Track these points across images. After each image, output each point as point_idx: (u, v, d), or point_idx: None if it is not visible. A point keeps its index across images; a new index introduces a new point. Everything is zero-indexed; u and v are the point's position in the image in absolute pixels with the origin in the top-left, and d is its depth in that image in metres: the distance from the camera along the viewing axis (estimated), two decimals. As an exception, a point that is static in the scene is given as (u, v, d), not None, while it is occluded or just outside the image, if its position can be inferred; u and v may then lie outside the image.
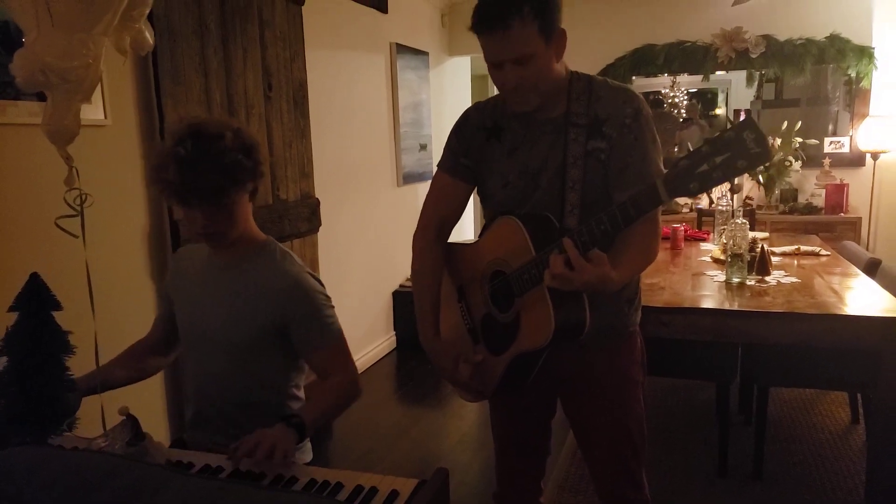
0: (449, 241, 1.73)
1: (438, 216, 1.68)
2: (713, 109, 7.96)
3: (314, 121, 3.55)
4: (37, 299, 1.44)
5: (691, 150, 1.21)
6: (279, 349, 1.58)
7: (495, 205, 1.61)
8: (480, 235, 1.65)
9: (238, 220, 1.53)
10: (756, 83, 5.17)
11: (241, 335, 1.55)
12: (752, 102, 6.14)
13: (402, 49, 4.56)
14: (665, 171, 1.28)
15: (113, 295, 2.39)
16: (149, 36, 1.78)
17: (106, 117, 2.36)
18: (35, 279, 1.50)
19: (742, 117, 5.73)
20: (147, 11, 1.51)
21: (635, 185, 1.36)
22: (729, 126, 1.16)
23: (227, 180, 1.44)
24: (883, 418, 2.31)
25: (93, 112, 2.27)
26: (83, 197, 1.55)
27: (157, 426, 2.59)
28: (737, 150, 1.15)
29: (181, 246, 2.53)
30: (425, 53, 4.95)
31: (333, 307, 1.62)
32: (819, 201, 4.82)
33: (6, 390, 1.38)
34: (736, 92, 6.49)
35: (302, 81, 3.43)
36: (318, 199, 3.56)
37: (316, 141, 3.57)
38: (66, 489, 0.85)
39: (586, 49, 5.21)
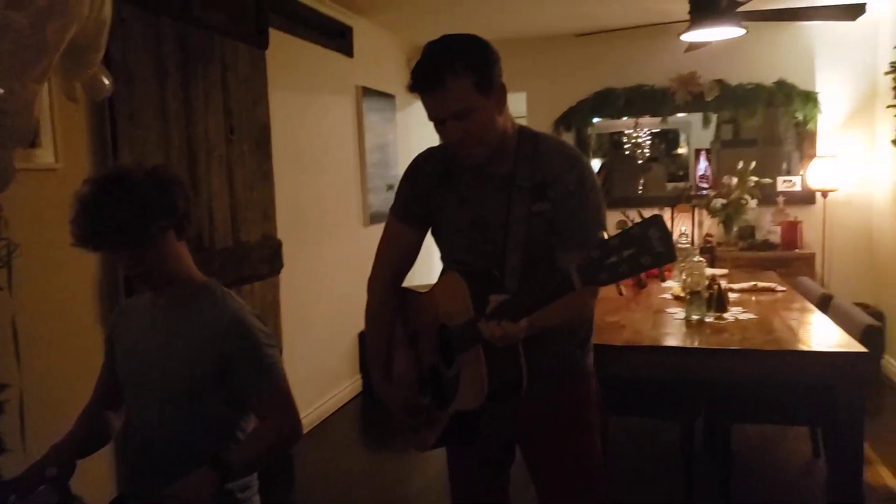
0: (406, 286, 1.73)
1: (390, 262, 1.70)
2: (675, 149, 8.21)
3: (279, 162, 3.55)
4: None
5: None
6: (222, 392, 1.54)
7: (448, 251, 1.63)
8: (434, 286, 1.65)
9: (167, 261, 1.49)
10: (712, 125, 5.34)
11: (182, 378, 1.51)
12: (711, 142, 6.34)
13: (368, 92, 4.62)
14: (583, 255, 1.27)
15: (56, 348, 2.30)
16: (106, 81, 1.78)
17: (57, 161, 2.30)
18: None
19: (701, 156, 5.94)
20: (99, 58, 1.51)
21: (575, 250, 1.38)
22: (638, 221, 1.16)
23: (133, 218, 1.38)
24: (841, 452, 2.35)
25: (43, 156, 2.23)
26: (11, 247, 1.50)
27: (100, 483, 2.46)
28: (642, 246, 1.14)
29: (135, 293, 2.47)
30: (391, 96, 5.01)
31: (275, 346, 1.59)
32: (775, 238, 4.96)
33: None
34: (696, 132, 6.71)
35: (265, 124, 3.43)
36: (279, 240, 3.54)
37: (280, 182, 3.57)
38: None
39: (550, 93, 5.36)
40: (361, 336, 4.58)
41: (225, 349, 1.50)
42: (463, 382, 1.47)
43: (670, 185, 6.60)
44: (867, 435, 3.39)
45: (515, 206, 1.50)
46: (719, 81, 4.99)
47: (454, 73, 1.38)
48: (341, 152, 4.39)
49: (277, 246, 3.52)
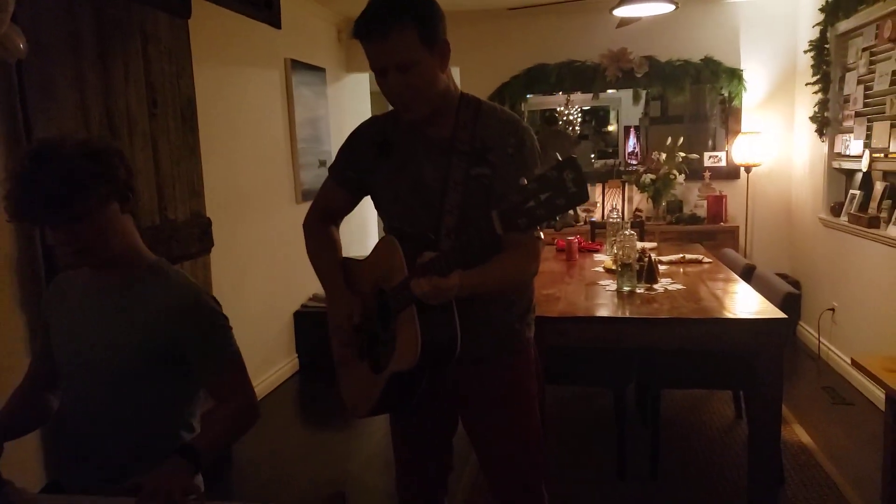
0: (346, 255, 1.73)
1: (322, 215, 1.75)
2: (606, 126, 8.38)
3: (205, 138, 3.42)
4: None
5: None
6: (172, 375, 1.49)
7: (386, 217, 1.64)
8: (371, 252, 1.64)
9: (111, 236, 1.41)
10: (642, 101, 5.45)
11: (130, 361, 1.45)
12: (640, 118, 6.50)
13: (297, 65, 4.50)
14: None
15: None
16: (20, 43, 1.66)
17: (-36, 135, 2.17)
18: None
19: (630, 133, 6.08)
20: (6, 18, 1.40)
21: None
22: (556, 163, 1.17)
23: (70, 189, 1.32)
24: (761, 413, 2.48)
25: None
26: None
27: (28, 469, 2.37)
28: (557, 188, 1.16)
29: (57, 274, 2.36)
30: (322, 69, 4.90)
31: (230, 328, 1.55)
32: (702, 212, 5.14)
33: None
34: (626, 109, 6.86)
35: (190, 97, 3.30)
36: (209, 218, 3.43)
37: (208, 158, 3.44)
38: None
39: (483, 68, 5.34)
40: (297, 315, 4.52)
41: (180, 330, 1.46)
42: (398, 344, 1.47)
43: (599, 162, 6.74)
44: (785, 397, 3.61)
45: (454, 170, 1.50)
46: (649, 58, 5.09)
47: (400, 23, 1.38)
48: (271, 127, 4.28)
49: (207, 224, 3.41)
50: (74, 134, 1.44)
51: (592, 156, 7.47)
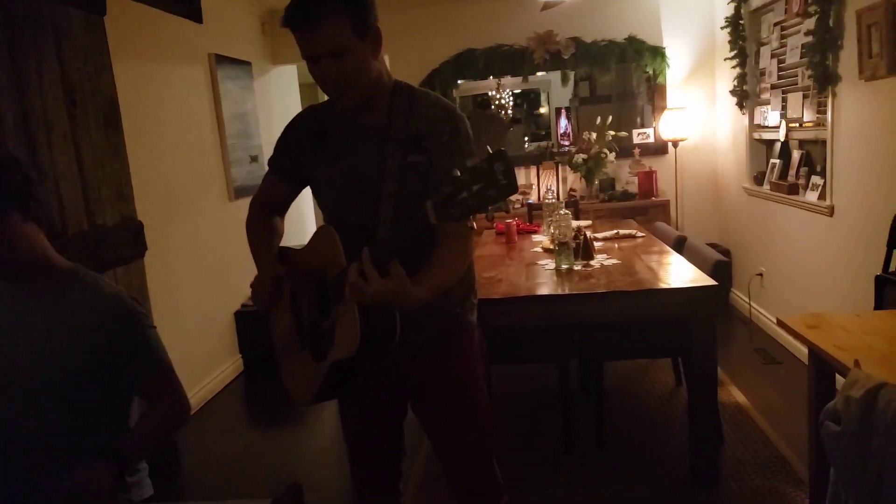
0: (284, 245, 1.72)
1: (263, 206, 1.74)
2: (537, 109, 8.48)
3: (131, 138, 3.31)
4: None
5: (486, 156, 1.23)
6: (105, 381, 1.47)
7: (324, 207, 1.64)
8: (309, 241, 1.64)
9: (14, 247, 1.38)
10: (571, 82, 5.54)
11: (60, 371, 1.42)
12: (570, 100, 6.61)
13: (221, 60, 4.39)
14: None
15: None
16: None
17: None
18: None
19: (562, 114, 6.19)
20: None
21: None
22: (487, 155, 1.20)
23: None
24: (697, 377, 2.59)
25: None
26: None
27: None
28: (488, 180, 1.19)
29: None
30: (247, 63, 4.80)
31: (155, 328, 1.55)
32: (633, 188, 5.28)
33: None
34: (556, 91, 6.95)
35: (111, 97, 3.17)
36: (140, 221, 3.32)
37: (135, 159, 3.33)
38: None
39: (413, 55, 5.33)
40: (238, 315, 4.44)
41: (107, 336, 1.44)
42: (338, 332, 1.47)
43: (533, 145, 6.84)
44: (721, 361, 3.77)
45: (389, 158, 1.50)
46: (575, 39, 5.18)
47: (333, 10, 1.38)
48: (198, 124, 4.16)
49: (139, 227, 3.30)
50: None
51: (526, 139, 7.55)
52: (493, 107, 7.00)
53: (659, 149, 5.34)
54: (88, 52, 3.03)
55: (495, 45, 5.26)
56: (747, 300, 4.61)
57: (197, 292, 3.99)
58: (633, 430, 3.12)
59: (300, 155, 1.63)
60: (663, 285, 2.59)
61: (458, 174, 1.21)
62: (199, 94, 4.17)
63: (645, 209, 5.07)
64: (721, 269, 2.78)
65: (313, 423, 3.53)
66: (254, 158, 4.75)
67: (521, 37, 5.23)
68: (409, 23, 5.32)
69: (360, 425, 1.79)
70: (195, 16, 4.09)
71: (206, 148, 4.24)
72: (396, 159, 1.50)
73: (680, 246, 3.35)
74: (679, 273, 2.79)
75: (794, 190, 3.86)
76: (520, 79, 5.46)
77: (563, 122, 6.22)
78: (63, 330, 1.43)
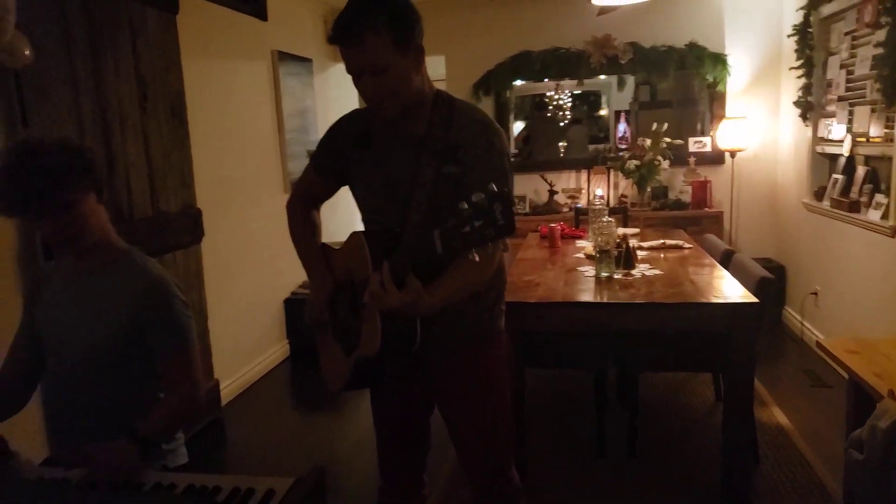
0: (325, 242, 1.81)
1: (303, 199, 1.82)
2: (597, 110, 8.39)
3: (195, 130, 3.49)
4: None
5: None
6: (138, 356, 1.59)
7: (361, 208, 1.71)
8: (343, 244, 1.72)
9: (88, 225, 1.53)
10: (626, 87, 5.48)
11: (102, 343, 1.55)
12: (630, 103, 6.53)
13: (283, 56, 4.55)
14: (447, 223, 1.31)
15: None
16: (25, 50, 1.73)
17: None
18: None
19: (621, 118, 6.12)
20: (8, 29, 1.48)
21: None
22: (489, 194, 1.24)
23: (53, 181, 1.43)
24: (734, 394, 2.57)
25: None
26: None
27: (32, 445, 2.46)
28: (487, 219, 1.23)
29: (55, 259, 2.44)
30: (309, 60, 4.94)
31: (191, 316, 1.64)
32: (686, 197, 5.21)
33: None
34: (616, 94, 6.88)
35: (179, 91, 3.36)
36: (199, 209, 3.50)
37: (197, 151, 3.51)
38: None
39: (468, 57, 5.39)
40: (287, 302, 4.60)
41: (141, 313, 1.55)
42: (363, 332, 1.55)
43: (592, 147, 6.78)
44: (766, 380, 3.70)
45: (424, 166, 1.56)
46: (633, 44, 5.13)
47: (374, 29, 1.42)
48: (259, 118, 4.33)
49: (198, 214, 3.48)
50: (50, 135, 1.54)
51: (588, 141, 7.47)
52: (550, 108, 6.98)
53: (715, 158, 5.24)
54: (161, 48, 3.21)
55: (552, 48, 5.27)
56: (800, 319, 4.50)
57: (249, 278, 4.16)
58: (668, 441, 3.10)
59: (342, 157, 1.70)
60: (702, 299, 2.57)
61: (465, 206, 1.25)
62: (261, 90, 4.34)
63: (697, 220, 5.00)
64: (766, 286, 2.74)
65: (352, 411, 3.64)
66: (310, 153, 4.89)
67: (578, 40, 5.22)
68: (466, 25, 5.39)
69: (389, 417, 1.87)
70: (260, 14, 4.26)
71: (266, 141, 4.41)
72: (431, 168, 1.55)
73: (727, 260, 3.31)
74: (721, 288, 2.76)
75: (855, 207, 3.73)
76: (575, 81, 5.44)
77: (622, 125, 6.15)
78: (108, 306, 1.56)
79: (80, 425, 1.59)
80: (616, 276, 2.91)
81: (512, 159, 5.27)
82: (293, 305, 4.58)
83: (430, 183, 1.55)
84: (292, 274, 4.57)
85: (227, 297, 3.79)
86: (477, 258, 1.31)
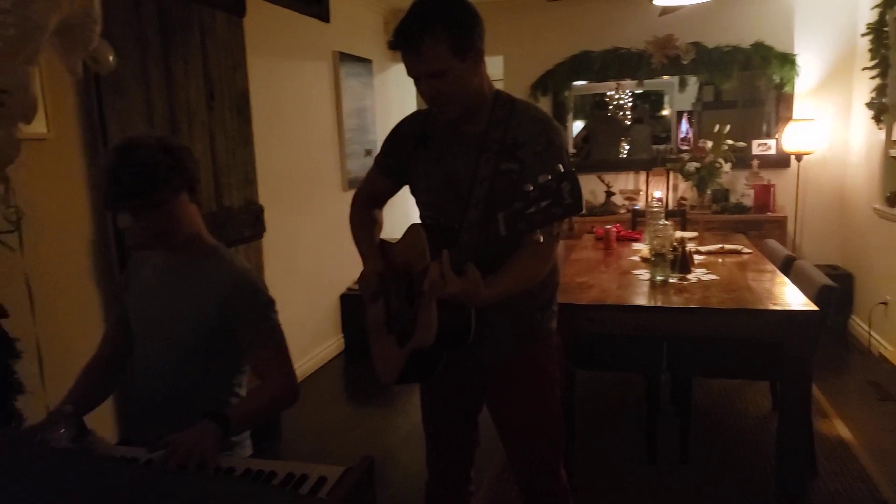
0: (383, 237, 1.86)
1: (367, 195, 1.89)
2: (659, 111, 8.25)
3: (258, 129, 3.61)
4: (-16, 309, 1.51)
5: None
6: (223, 349, 1.65)
7: (420, 206, 1.75)
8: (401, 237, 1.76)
9: (180, 222, 1.60)
10: (688, 87, 5.38)
11: (189, 331, 1.62)
12: (693, 104, 6.40)
13: (345, 57, 4.65)
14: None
15: (58, 301, 2.44)
16: (110, 56, 1.85)
17: (48, 131, 2.40)
18: (-19, 290, 1.57)
19: (683, 119, 6.00)
20: (96, 32, 1.58)
21: None
22: (557, 174, 1.26)
23: (150, 181, 1.50)
24: (789, 404, 2.51)
25: (34, 126, 2.29)
26: (19, 213, 1.63)
27: (103, 427, 2.62)
28: (555, 198, 1.26)
29: (126, 254, 2.60)
30: (368, 61, 5.04)
31: (276, 312, 1.69)
32: (749, 201, 5.07)
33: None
34: (678, 94, 6.75)
35: (244, 90, 3.48)
36: (261, 205, 3.62)
37: (260, 148, 3.64)
38: (18, 480, 0.93)
39: (527, 57, 5.39)
40: (343, 297, 4.71)
41: (229, 308, 1.61)
42: (418, 324, 1.59)
43: (655, 148, 6.65)
44: (828, 391, 3.59)
45: (482, 165, 1.60)
46: (696, 44, 5.03)
47: (433, 35, 1.46)
48: (319, 118, 4.44)
49: (259, 211, 3.61)
50: (150, 133, 1.61)
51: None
52: (610, 108, 6.91)
53: (780, 161, 5.09)
54: (227, 49, 3.34)
55: (612, 48, 5.21)
56: (867, 329, 4.33)
57: (307, 273, 4.28)
58: (721, 449, 3.05)
59: (404, 156, 1.75)
60: (759, 306, 2.52)
61: (531, 189, 1.28)
62: (322, 90, 4.45)
63: (759, 224, 4.86)
64: (827, 294, 2.66)
65: (403, 405, 3.71)
66: (368, 152, 4.99)
67: (638, 40, 5.15)
68: (525, 25, 5.38)
69: (438, 411, 1.91)
70: (323, 16, 4.37)
71: (325, 140, 4.52)
72: (489, 167, 1.59)
73: (787, 266, 3.22)
74: (779, 295, 2.69)
75: (928, 215, 3.58)
76: (635, 82, 5.37)
77: (685, 126, 6.03)
78: (197, 298, 1.63)
79: (156, 411, 1.68)
80: (671, 281, 2.87)
81: (571, 159, 5.25)
82: (348, 301, 4.68)
83: (489, 181, 1.58)
84: (348, 270, 4.67)
85: (285, 291, 3.91)
86: (541, 238, 1.33)
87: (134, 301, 1.74)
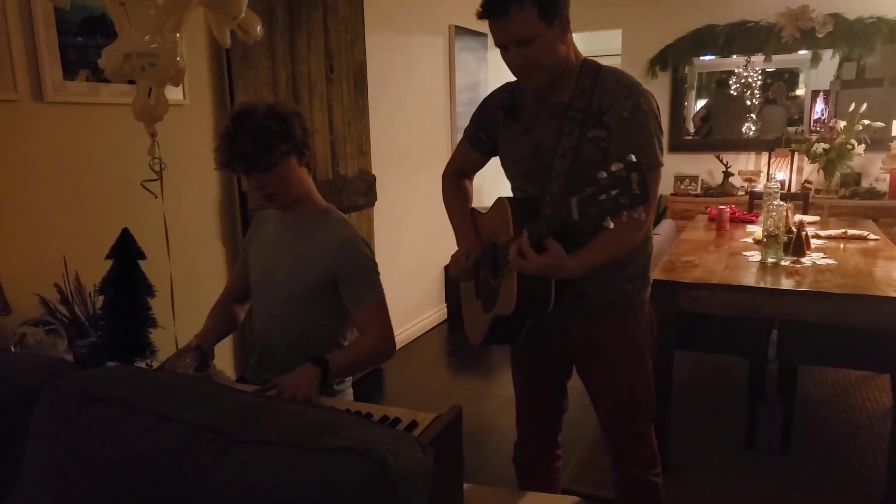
0: (474, 206, 1.93)
1: (455, 169, 1.95)
2: (793, 90, 7.69)
3: (373, 101, 3.77)
4: (127, 250, 1.76)
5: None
6: (330, 300, 1.80)
7: (510, 177, 1.80)
8: (489, 209, 1.83)
9: (290, 183, 1.73)
10: (822, 63, 5.01)
11: (301, 285, 1.78)
12: (831, 83, 5.93)
13: (460, 31, 4.72)
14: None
15: (188, 251, 2.74)
16: (258, 27, 2.03)
17: (185, 98, 2.66)
18: (126, 234, 1.83)
19: (818, 98, 5.59)
20: (243, 8, 1.74)
21: None
22: (628, 164, 1.29)
23: (260, 144, 1.63)
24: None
25: (175, 94, 2.56)
26: (162, 164, 1.85)
27: (223, 367, 2.91)
28: (623, 188, 1.28)
29: (249, 214, 2.84)
30: (484, 35, 5.07)
31: (378, 272, 1.82)
32: (883, 186, 4.71)
33: (102, 323, 1.67)
34: (811, 71, 6.25)
35: (362, 64, 3.65)
36: (374, 175, 3.79)
37: (374, 120, 3.80)
38: (149, 396, 1.09)
39: (647, 30, 5.23)
40: (447, 268, 4.82)
41: (336, 265, 1.75)
42: (501, 292, 1.66)
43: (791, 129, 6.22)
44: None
45: (564, 138, 1.61)
46: (834, 15, 4.69)
47: (521, 2, 1.49)
48: (433, 92, 4.56)
49: (372, 180, 3.79)
50: (264, 99, 1.76)
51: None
52: (736, 86, 6.53)
53: (924, 144, 4.67)
54: (348, 24, 3.51)
55: (739, 21, 4.95)
56: None
57: (414, 243, 4.44)
58: (828, 442, 2.91)
59: (493, 128, 1.79)
60: (878, 292, 2.38)
61: (604, 176, 1.31)
62: (436, 63, 4.56)
63: (893, 211, 4.51)
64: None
65: (500, 375, 3.80)
66: (478, 125, 5.06)
67: (769, 13, 4.86)
68: (647, -3, 5.21)
69: (528, 377, 1.97)
70: (441, -10, 4.45)
71: (437, 114, 4.64)
72: (573, 137, 1.60)
73: (919, 255, 3.00)
74: (902, 282, 2.53)
75: None
76: (763, 57, 5.07)
77: (820, 106, 5.62)
78: (309, 253, 1.78)
79: (270, 356, 1.86)
80: (783, 263, 2.76)
81: (688, 138, 5.08)
82: (453, 271, 4.80)
83: (572, 151, 1.60)
84: (452, 241, 4.77)
85: (393, 258, 4.09)
86: (611, 226, 1.35)
87: (254, 254, 1.91)
